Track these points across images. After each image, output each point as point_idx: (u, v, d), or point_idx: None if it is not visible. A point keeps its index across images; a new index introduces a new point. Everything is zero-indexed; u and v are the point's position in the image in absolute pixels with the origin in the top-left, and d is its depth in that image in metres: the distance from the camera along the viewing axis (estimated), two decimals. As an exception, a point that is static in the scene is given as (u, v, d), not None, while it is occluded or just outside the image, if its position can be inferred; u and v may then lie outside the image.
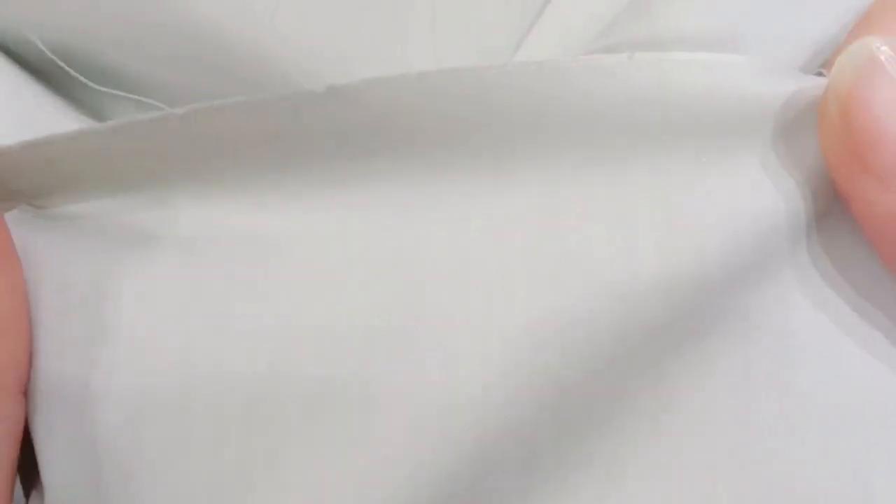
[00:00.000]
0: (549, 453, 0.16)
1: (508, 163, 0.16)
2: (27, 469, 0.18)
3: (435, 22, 0.21)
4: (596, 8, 0.21)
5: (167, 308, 0.17)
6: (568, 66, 0.15)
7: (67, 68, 0.20)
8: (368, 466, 0.16)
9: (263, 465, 0.16)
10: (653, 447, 0.16)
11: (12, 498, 0.18)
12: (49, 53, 0.20)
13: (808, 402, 0.16)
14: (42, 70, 0.21)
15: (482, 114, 0.16)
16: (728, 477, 0.16)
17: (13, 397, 0.17)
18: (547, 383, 0.16)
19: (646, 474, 0.16)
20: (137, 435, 0.17)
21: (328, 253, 0.17)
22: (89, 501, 0.17)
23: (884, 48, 0.15)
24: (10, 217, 0.18)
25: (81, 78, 0.20)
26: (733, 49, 0.18)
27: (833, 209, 0.16)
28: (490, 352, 0.16)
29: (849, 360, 0.16)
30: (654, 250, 0.16)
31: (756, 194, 0.16)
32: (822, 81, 0.16)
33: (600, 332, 0.16)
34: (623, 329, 0.16)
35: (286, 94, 0.16)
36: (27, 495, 0.18)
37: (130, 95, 0.20)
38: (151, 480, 0.17)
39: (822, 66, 0.17)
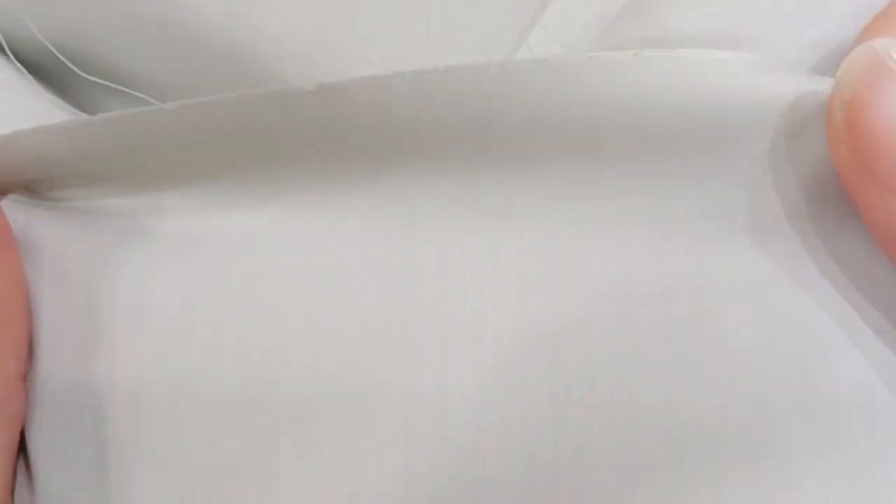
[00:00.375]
0: (546, 454, 0.16)
1: (505, 163, 0.16)
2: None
3: (431, 23, 0.20)
4: (596, 8, 0.20)
5: (164, 304, 0.17)
6: (570, 63, 0.15)
7: (59, 55, 0.19)
8: (362, 466, 0.16)
9: (257, 461, 0.16)
10: (657, 448, 0.16)
11: (13, 485, 0.18)
12: (42, 38, 0.20)
13: (824, 403, 0.16)
14: (35, 65, 0.21)
15: (479, 113, 0.16)
16: (743, 486, 0.16)
17: (13, 384, 0.17)
18: (541, 384, 0.16)
19: (650, 475, 0.16)
20: (135, 428, 0.17)
21: (322, 252, 0.17)
22: (85, 492, 0.17)
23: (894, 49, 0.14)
24: (7, 203, 0.18)
25: (71, 65, 0.19)
26: (733, 50, 0.18)
27: (840, 211, 0.16)
28: (484, 353, 0.16)
29: (857, 364, 0.16)
30: (648, 254, 0.16)
31: (758, 196, 0.16)
32: (832, 83, 0.16)
33: (594, 335, 0.16)
34: (618, 333, 0.16)
35: (276, 91, 0.16)
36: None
37: (121, 87, 0.20)
38: (148, 473, 0.17)
39: None
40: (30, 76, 0.21)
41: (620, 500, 0.16)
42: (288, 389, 0.16)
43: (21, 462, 0.18)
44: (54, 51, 0.19)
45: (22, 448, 0.18)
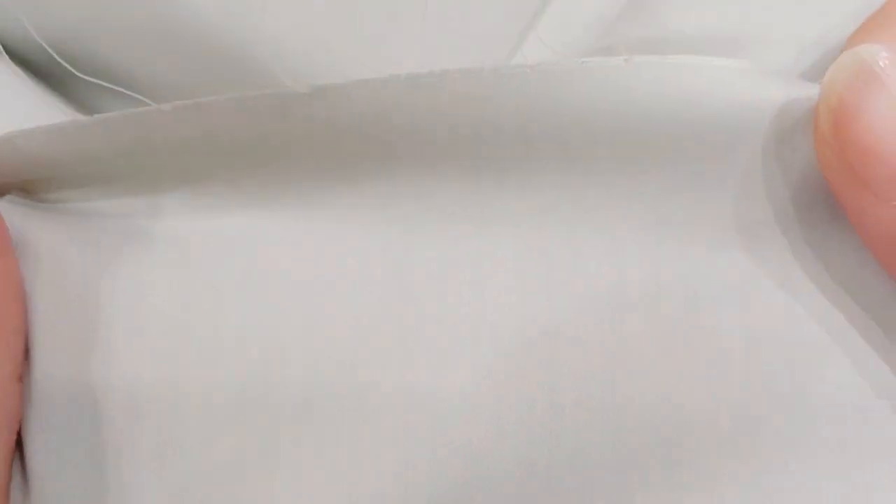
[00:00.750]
0: (543, 454, 0.16)
1: (501, 167, 0.16)
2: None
3: (429, 23, 0.20)
4: (596, 8, 0.20)
5: (162, 305, 0.17)
6: (561, 69, 0.15)
7: (54, 54, 0.20)
8: (361, 466, 0.16)
9: (256, 461, 0.16)
10: (652, 449, 0.16)
11: (9, 486, 0.18)
12: (37, 37, 0.20)
13: (815, 404, 0.16)
14: (35, 65, 0.21)
15: (474, 118, 0.16)
16: (737, 487, 0.16)
17: (10, 385, 0.17)
18: (539, 385, 0.16)
19: (645, 476, 0.16)
20: (132, 428, 0.17)
21: (320, 253, 0.17)
22: (82, 493, 0.17)
23: (883, 54, 0.14)
24: (3, 205, 0.18)
25: (66, 64, 0.20)
26: (733, 50, 0.18)
27: (829, 216, 0.16)
28: (483, 354, 0.16)
29: (847, 367, 0.16)
30: (642, 258, 0.16)
31: (749, 201, 0.16)
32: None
33: (590, 337, 0.16)
34: (613, 335, 0.16)
35: (271, 93, 0.16)
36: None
37: (118, 88, 0.20)
38: (146, 474, 0.17)
39: None
40: (23, 75, 0.21)
41: (616, 500, 0.16)
42: (287, 389, 0.16)
43: (16, 463, 0.18)
44: (50, 51, 0.19)
45: (16, 449, 0.18)
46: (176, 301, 0.17)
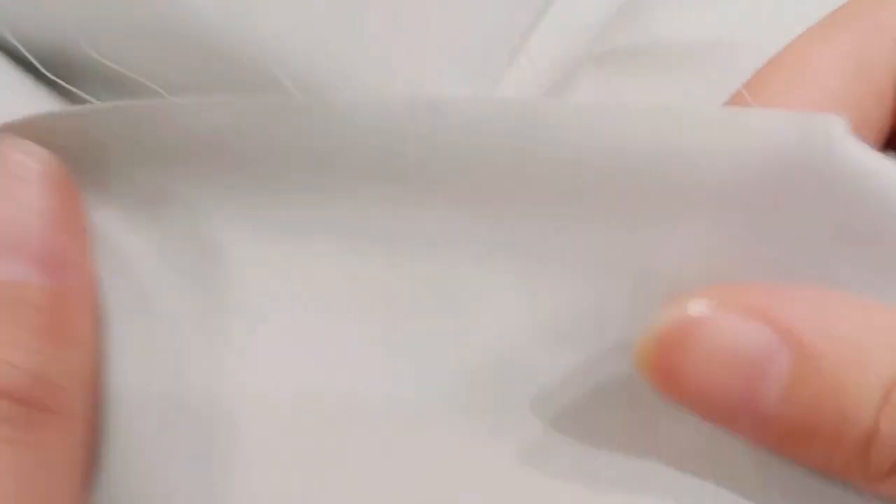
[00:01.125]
0: (513, 462, 0.16)
1: (489, 199, 0.16)
2: None
3: (428, 24, 0.20)
4: (593, 13, 0.20)
5: (170, 308, 0.17)
6: (558, 109, 0.15)
7: (34, 61, 0.19)
8: (356, 475, 0.16)
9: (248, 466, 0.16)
10: (617, 482, 0.16)
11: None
12: (34, 60, 0.20)
13: None
14: (33, 67, 0.21)
15: (466, 151, 0.16)
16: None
17: (91, 392, 0.17)
18: (513, 407, 0.16)
19: (629, 482, 0.16)
20: (167, 442, 0.17)
21: (318, 266, 0.17)
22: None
23: (700, 306, 0.14)
24: None
25: (47, 72, 0.19)
26: (732, 54, 0.18)
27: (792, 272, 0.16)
28: (472, 364, 0.16)
29: None
30: (617, 299, 0.16)
31: (720, 256, 0.15)
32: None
33: (567, 365, 0.16)
34: (586, 367, 0.16)
35: (274, 102, 0.15)
36: None
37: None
38: (175, 487, 0.17)
39: None
40: (23, 75, 0.21)
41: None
42: (285, 398, 0.17)
43: None
44: (29, 56, 0.19)
45: None
46: (206, 320, 0.17)
